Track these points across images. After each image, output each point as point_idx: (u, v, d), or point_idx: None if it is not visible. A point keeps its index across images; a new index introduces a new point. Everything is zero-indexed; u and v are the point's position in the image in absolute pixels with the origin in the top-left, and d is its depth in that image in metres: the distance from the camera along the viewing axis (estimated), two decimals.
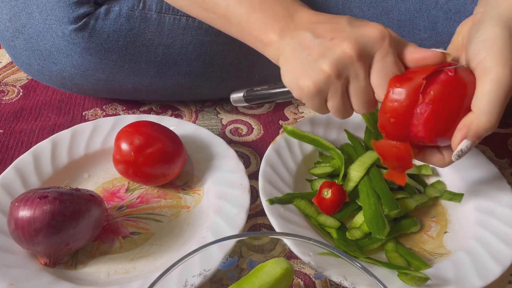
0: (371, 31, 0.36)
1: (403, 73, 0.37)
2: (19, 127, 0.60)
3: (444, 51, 0.36)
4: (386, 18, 0.55)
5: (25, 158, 0.50)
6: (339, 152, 0.52)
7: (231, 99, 0.48)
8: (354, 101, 0.39)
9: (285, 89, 0.44)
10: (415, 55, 0.37)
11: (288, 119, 0.64)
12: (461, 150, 0.35)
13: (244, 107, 0.51)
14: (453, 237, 0.46)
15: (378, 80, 0.36)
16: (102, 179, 0.52)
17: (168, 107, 0.65)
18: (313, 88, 0.38)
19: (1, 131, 0.60)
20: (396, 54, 0.37)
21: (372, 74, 0.37)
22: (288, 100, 0.46)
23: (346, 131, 0.55)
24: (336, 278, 0.37)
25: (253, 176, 0.54)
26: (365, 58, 0.36)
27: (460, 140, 0.34)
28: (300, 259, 0.39)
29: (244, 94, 0.46)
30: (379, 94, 0.37)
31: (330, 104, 0.40)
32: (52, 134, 0.57)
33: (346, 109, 0.40)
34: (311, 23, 0.38)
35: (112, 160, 0.49)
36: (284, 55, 0.40)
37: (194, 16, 0.47)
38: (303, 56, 0.38)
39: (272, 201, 0.45)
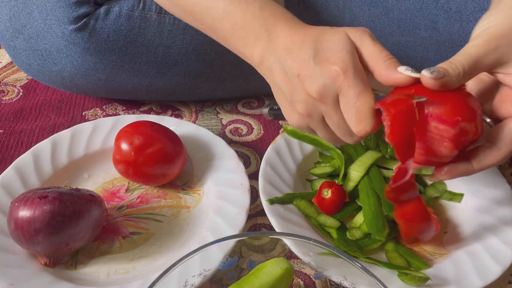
0: (329, 72, 0.34)
1: (371, 100, 0.34)
2: (19, 127, 0.60)
3: (414, 74, 0.34)
4: (387, 17, 0.55)
5: (25, 158, 0.50)
6: (339, 152, 0.52)
7: (263, 112, 0.50)
8: (336, 133, 0.38)
9: None
10: (383, 78, 0.35)
11: None
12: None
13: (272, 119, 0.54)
14: (453, 237, 0.46)
15: (345, 114, 0.35)
16: (102, 179, 0.52)
17: (168, 107, 0.65)
18: (296, 124, 0.40)
19: (1, 131, 0.60)
20: (360, 83, 0.34)
21: (341, 109, 0.36)
22: None
23: None
24: (336, 278, 0.36)
25: (253, 176, 0.54)
26: (329, 97, 0.35)
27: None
28: (300, 259, 0.39)
29: (268, 110, 0.48)
30: (351, 127, 0.35)
31: (318, 134, 0.40)
32: (52, 134, 0.57)
33: (334, 139, 0.40)
34: (285, 49, 0.38)
35: (112, 160, 0.49)
36: (270, 83, 0.41)
37: (189, 23, 0.47)
38: (281, 93, 0.39)
39: (272, 201, 0.45)
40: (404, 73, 0.34)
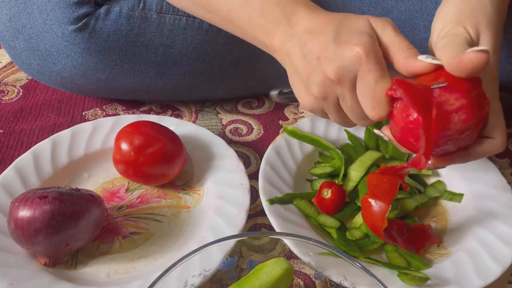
0: (351, 52, 0.35)
1: (388, 86, 0.34)
2: (19, 127, 0.60)
3: (434, 61, 0.34)
4: (386, 17, 0.55)
5: (25, 158, 0.50)
6: (339, 152, 0.52)
7: (270, 95, 0.50)
8: (349, 116, 0.39)
9: None
10: (403, 67, 0.35)
11: (288, 119, 0.64)
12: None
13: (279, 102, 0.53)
14: (453, 237, 0.46)
15: (362, 98, 0.36)
16: (102, 179, 0.52)
17: (168, 107, 0.65)
18: (309, 107, 0.40)
19: (1, 131, 0.60)
20: (379, 68, 0.35)
21: (358, 93, 0.36)
22: None
23: (346, 131, 0.55)
24: (336, 278, 0.36)
25: (253, 176, 0.54)
26: (347, 79, 0.36)
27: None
28: (300, 259, 0.39)
29: (278, 92, 0.49)
30: (366, 112, 0.36)
31: (330, 117, 0.41)
32: (52, 134, 0.57)
33: (346, 122, 0.40)
34: (305, 32, 0.38)
35: (112, 160, 0.49)
36: (286, 66, 0.41)
37: (199, 17, 0.47)
38: (298, 76, 0.39)
39: (272, 201, 0.45)
40: (425, 60, 0.34)
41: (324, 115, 0.41)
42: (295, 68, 0.39)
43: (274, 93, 0.49)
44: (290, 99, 0.49)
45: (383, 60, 0.36)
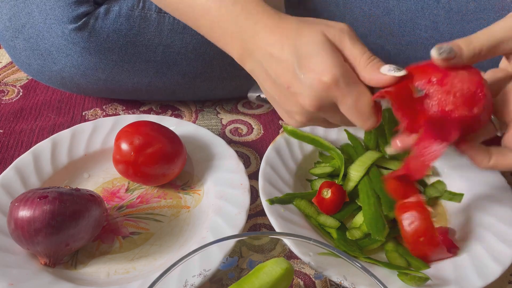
0: (319, 83, 0.34)
1: (369, 98, 0.35)
2: (19, 127, 0.60)
3: (398, 74, 0.34)
4: (387, 17, 0.55)
5: (25, 158, 0.49)
6: (339, 152, 0.52)
7: (248, 96, 0.49)
8: (343, 125, 0.39)
9: None
10: (368, 82, 0.35)
11: None
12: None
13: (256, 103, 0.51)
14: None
15: (349, 117, 0.36)
16: (102, 179, 0.52)
17: (168, 107, 0.65)
18: (297, 126, 0.40)
19: (1, 131, 0.60)
20: (354, 88, 0.34)
21: (343, 113, 0.36)
22: None
23: (346, 131, 0.55)
24: (336, 278, 0.36)
25: (253, 176, 0.54)
26: (327, 106, 0.35)
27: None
28: (300, 259, 0.39)
29: (256, 97, 0.47)
30: (358, 125, 0.36)
31: (323, 126, 0.41)
32: (52, 134, 0.57)
33: (346, 124, 0.40)
34: (265, 54, 0.37)
35: (112, 160, 0.49)
36: (257, 80, 0.40)
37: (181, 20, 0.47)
38: (273, 99, 0.39)
39: (272, 201, 0.45)
40: (388, 74, 0.34)
41: (316, 125, 0.41)
42: (268, 93, 0.39)
43: (252, 94, 0.47)
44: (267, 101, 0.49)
45: (352, 73, 0.35)
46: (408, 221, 0.40)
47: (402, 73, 0.33)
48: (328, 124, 0.40)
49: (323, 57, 0.34)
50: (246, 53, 0.39)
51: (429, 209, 0.40)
